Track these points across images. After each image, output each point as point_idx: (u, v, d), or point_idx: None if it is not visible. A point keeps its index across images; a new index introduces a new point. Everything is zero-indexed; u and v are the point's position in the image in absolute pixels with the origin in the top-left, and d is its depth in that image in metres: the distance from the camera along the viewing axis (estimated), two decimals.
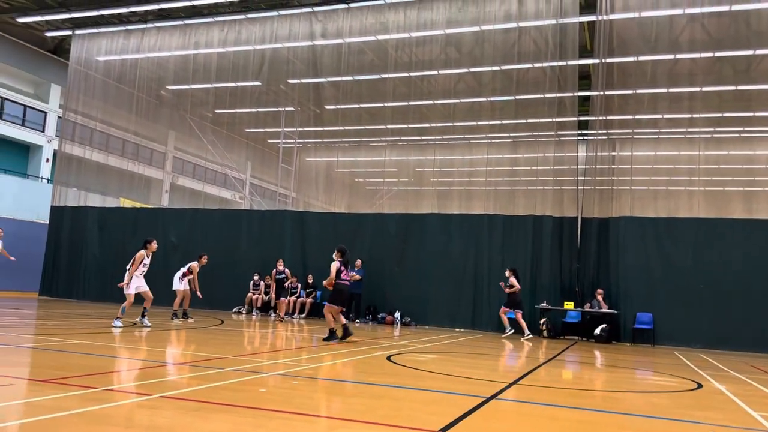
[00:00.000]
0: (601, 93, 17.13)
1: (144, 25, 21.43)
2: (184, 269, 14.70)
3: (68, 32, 22.68)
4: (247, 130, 25.92)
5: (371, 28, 19.21)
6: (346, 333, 11.03)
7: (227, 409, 4.74)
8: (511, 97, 18.56)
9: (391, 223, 18.75)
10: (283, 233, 19.69)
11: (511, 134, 20.03)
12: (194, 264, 14.89)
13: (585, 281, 16.57)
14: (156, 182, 28.95)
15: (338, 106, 21.80)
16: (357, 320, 17.53)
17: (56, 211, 21.94)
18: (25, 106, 26.20)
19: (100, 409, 4.46)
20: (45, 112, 26.82)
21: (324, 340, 10.86)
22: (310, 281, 18.69)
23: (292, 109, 22.92)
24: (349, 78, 20.14)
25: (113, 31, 22.02)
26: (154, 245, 11.97)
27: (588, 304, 16.05)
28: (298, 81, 21.43)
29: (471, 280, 17.39)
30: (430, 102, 20.83)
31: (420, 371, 7.77)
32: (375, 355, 9.24)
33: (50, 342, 8.51)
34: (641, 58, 17.31)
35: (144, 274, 11.86)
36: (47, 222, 21.97)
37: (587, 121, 18.17)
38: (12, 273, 21.30)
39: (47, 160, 26.50)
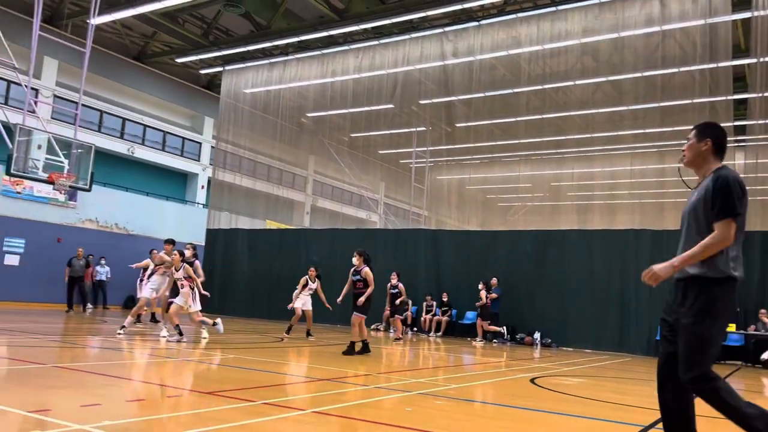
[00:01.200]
0: (760, 95, 15.64)
1: (285, 57, 22.83)
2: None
3: (219, 69, 24.70)
4: (381, 151, 26.62)
5: (503, 43, 19.05)
6: (365, 349, 10.53)
7: (375, 427, 4.85)
8: (656, 104, 17.49)
9: (527, 240, 18.28)
10: (416, 251, 19.91)
11: (657, 143, 18.85)
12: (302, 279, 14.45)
13: (747, 300, 15.08)
14: (298, 204, 30.52)
15: (469, 123, 21.76)
16: (495, 340, 17.23)
17: (211, 234, 23.80)
18: (183, 138, 28.81)
19: (259, 423, 4.74)
20: (200, 143, 29.32)
21: (344, 353, 10.34)
22: (445, 299, 18.68)
23: (424, 129, 23.24)
24: (481, 95, 20.06)
25: (258, 65, 23.68)
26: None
27: (752, 326, 14.59)
28: (430, 101, 21.70)
29: (617, 299, 16.45)
30: (566, 114, 20.18)
31: (567, 395, 7.47)
32: (517, 378, 9.02)
33: (210, 356, 9.19)
34: None
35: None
36: (204, 243, 23.90)
37: (744, 126, 16.67)
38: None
39: (202, 187, 28.89)
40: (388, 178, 29.78)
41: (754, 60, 15.72)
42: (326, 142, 24.11)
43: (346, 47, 21.54)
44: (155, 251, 14.32)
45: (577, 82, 19.12)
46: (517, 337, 17.47)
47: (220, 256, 23.32)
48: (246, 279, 22.48)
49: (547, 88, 19.46)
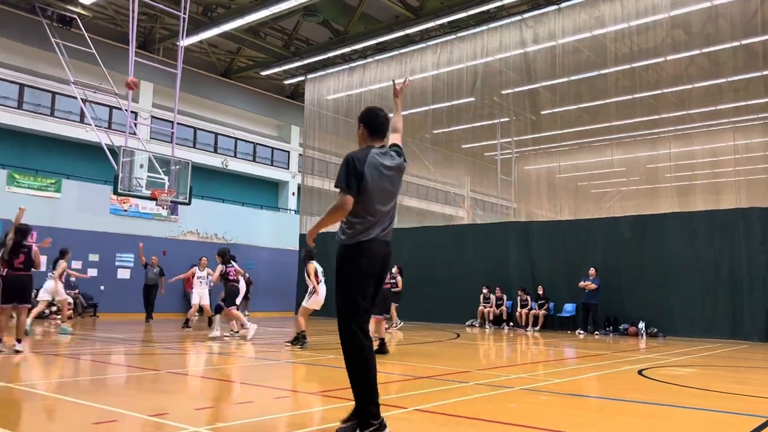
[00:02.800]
0: None
1: (364, 61, 23.09)
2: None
3: (302, 78, 25.34)
4: (464, 146, 26.34)
5: (585, 24, 18.37)
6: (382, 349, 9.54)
7: (480, 424, 4.80)
8: (758, 74, 16.29)
9: (625, 227, 17.52)
10: (507, 245, 19.57)
11: (761, 115, 17.55)
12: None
13: None
14: None
15: (555, 110, 21.11)
16: (596, 332, 16.63)
17: (304, 238, 24.45)
18: (272, 148, 29.79)
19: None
20: (288, 151, 30.20)
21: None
22: (541, 292, 18.24)
23: (508, 119, 22.79)
24: (565, 79, 19.42)
25: (338, 71, 24.09)
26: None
27: None
28: (512, 90, 21.25)
29: (727, 283, 15.45)
30: (659, 91, 19.15)
31: (680, 387, 7.09)
32: (623, 369, 8.67)
33: (311, 357, 9.44)
34: None
35: None
36: (297, 249, 24.57)
37: None
38: (273, 294, 24.17)
39: (293, 194, 29.74)
40: (473, 172, 29.41)
41: None
42: (408, 141, 24.14)
43: (423, 44, 21.50)
44: (204, 259, 14.91)
45: (669, 58, 18.10)
46: (620, 327, 16.79)
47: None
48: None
49: (637, 67, 18.55)
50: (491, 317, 18.83)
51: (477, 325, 18.95)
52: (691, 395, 6.56)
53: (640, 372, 8.19)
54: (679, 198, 18.02)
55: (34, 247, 9.45)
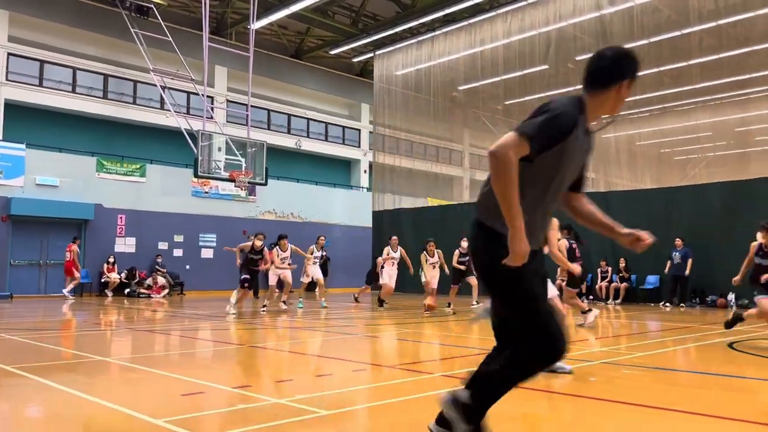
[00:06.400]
0: None
1: (432, 33, 22.76)
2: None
3: (370, 55, 25.29)
4: None
5: None
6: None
7: (559, 397, 4.71)
8: None
9: (713, 194, 16.59)
10: None
11: None
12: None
13: None
14: (457, 180, 30.50)
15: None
16: (682, 304, 15.93)
17: (377, 215, 24.62)
18: (343, 127, 30.04)
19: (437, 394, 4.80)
20: (359, 130, 30.38)
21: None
22: (623, 265, 17.63)
23: None
24: (645, 41, 18.44)
25: (407, 45, 23.86)
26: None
27: None
28: (588, 56, 20.36)
29: None
30: (749, 49, 17.90)
31: None
32: (712, 342, 8.28)
33: (386, 331, 9.54)
34: None
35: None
36: (371, 225, 24.80)
37: None
38: (349, 271, 24.54)
39: (365, 171, 29.96)
40: None
41: None
42: (480, 114, 23.73)
43: (493, 13, 20.92)
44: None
45: (760, 12, 16.83)
46: (708, 299, 16.02)
47: (387, 235, 24.05)
48: (414, 256, 22.94)
49: (723, 24, 17.36)
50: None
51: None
52: None
53: (730, 345, 7.80)
54: None
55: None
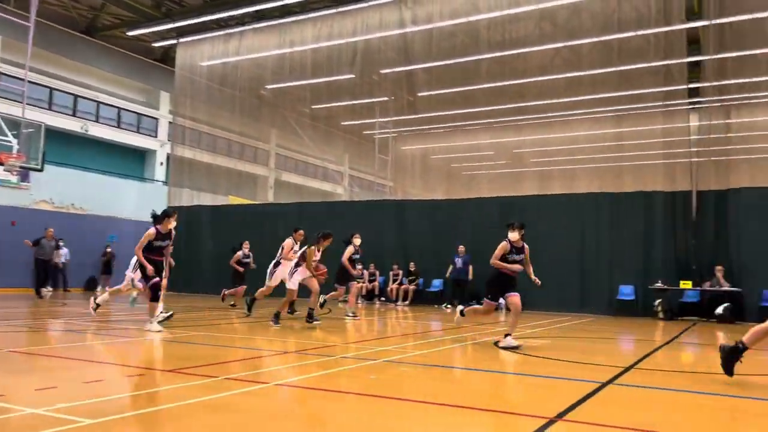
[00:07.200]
0: (713, 57, 15.91)
1: (242, 28, 22.25)
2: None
3: (173, 41, 23.96)
4: (344, 123, 26.36)
5: (461, 9, 18.89)
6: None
7: (342, 396, 4.85)
8: (613, 69, 17.66)
9: (492, 207, 18.43)
10: (383, 222, 19.91)
11: (615, 107, 19.09)
12: (288, 241, 11.74)
13: (703, 258, 15.55)
14: (262, 179, 30.13)
15: (431, 92, 21.67)
16: (461, 306, 17.42)
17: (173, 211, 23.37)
18: (139, 114, 28.03)
19: (220, 397, 4.69)
20: (156, 119, 28.58)
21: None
22: (412, 268, 18.79)
23: (386, 98, 23.05)
24: (441, 62, 19.94)
25: (214, 36, 23.03)
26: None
27: (707, 283, 15.07)
28: (391, 70, 21.49)
29: (577, 262, 16.81)
30: (526, 80, 20.23)
31: (530, 356, 7.60)
32: (482, 341, 9.15)
33: (176, 334, 9.07)
34: (756, 16, 15.88)
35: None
36: None
37: (698, 88, 16.97)
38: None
39: (161, 164, 28.26)
40: (351, 149, 29.60)
41: (706, 22, 15.94)
42: (287, 115, 23.75)
43: (304, 16, 21.07)
44: None
45: (536, 48, 19.13)
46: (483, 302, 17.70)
47: (183, 233, 22.89)
48: (211, 256, 22.20)
49: (507, 55, 19.41)
50: (364, 292, 19.12)
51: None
52: (539, 363, 7.06)
53: (495, 343, 8.68)
54: (540, 182, 19.29)
55: None
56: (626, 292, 16.23)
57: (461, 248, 17.47)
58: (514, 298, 8.62)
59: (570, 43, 18.61)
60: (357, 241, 12.80)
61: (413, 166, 25.03)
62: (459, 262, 17.41)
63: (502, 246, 8.75)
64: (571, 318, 14.97)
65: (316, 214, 21.17)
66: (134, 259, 11.13)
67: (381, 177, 25.25)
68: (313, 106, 24.07)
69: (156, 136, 28.47)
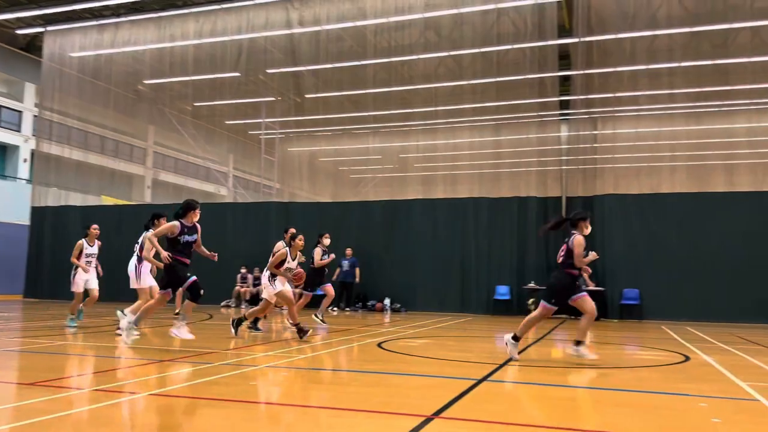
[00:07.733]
0: (582, 72, 17.14)
1: (117, 19, 21.05)
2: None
3: (40, 29, 22.21)
4: (228, 122, 25.67)
5: (349, 14, 19.03)
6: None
7: (218, 404, 4.70)
8: (492, 80, 18.52)
9: (377, 211, 18.71)
10: (268, 224, 19.57)
11: (494, 117, 20.02)
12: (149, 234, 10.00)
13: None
14: (138, 178, 28.65)
15: (319, 95, 21.65)
16: (347, 309, 17.52)
17: (37, 212, 21.63)
18: (0, 106, 25.74)
19: (89, 410, 4.40)
20: (20, 112, 26.39)
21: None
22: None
23: (273, 99, 22.72)
24: (329, 66, 19.96)
25: (86, 26, 21.60)
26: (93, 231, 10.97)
27: None
28: (277, 70, 21.22)
29: (458, 263, 17.46)
30: (412, 87, 20.75)
31: (411, 356, 7.77)
32: (365, 343, 9.23)
33: (36, 344, 8.40)
34: (620, 36, 17.32)
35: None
36: (28, 223, 21.67)
37: (568, 100, 18.20)
38: None
39: (25, 161, 26.11)
40: (236, 149, 28.88)
41: (576, 39, 17.13)
42: (167, 111, 22.73)
43: (185, 11, 20.30)
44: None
45: (421, 56, 19.67)
46: (369, 304, 17.92)
47: (50, 236, 21.30)
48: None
49: (393, 61, 19.82)
50: (248, 297, 18.69)
51: (233, 305, 18.67)
52: (419, 363, 7.23)
53: (379, 344, 8.79)
54: (424, 186, 19.83)
55: None
56: (502, 291, 17.07)
57: (348, 251, 17.57)
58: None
59: (453, 53, 19.30)
60: (326, 241, 12.35)
61: (300, 168, 24.84)
62: (346, 264, 17.49)
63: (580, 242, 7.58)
64: (452, 318, 15.50)
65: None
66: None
67: (267, 178, 24.82)
68: (196, 104, 23.24)
69: (20, 131, 26.27)
